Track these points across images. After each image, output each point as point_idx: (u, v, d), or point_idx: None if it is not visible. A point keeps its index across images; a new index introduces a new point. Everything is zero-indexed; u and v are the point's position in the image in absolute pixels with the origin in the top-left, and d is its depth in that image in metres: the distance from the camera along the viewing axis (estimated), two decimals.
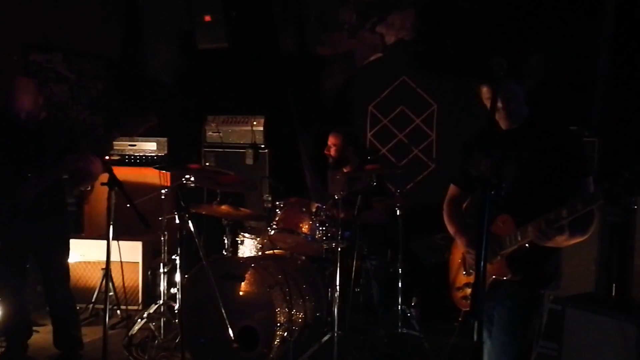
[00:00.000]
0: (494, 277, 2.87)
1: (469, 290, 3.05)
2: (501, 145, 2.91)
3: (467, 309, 3.05)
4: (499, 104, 2.83)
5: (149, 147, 6.38)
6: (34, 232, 4.25)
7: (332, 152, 5.28)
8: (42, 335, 4.96)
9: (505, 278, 2.85)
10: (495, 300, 2.91)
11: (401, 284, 4.93)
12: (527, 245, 2.73)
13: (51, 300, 4.50)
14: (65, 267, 4.53)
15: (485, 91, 2.89)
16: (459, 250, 3.18)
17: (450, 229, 3.23)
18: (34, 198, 4.11)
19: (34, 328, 5.03)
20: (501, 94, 2.82)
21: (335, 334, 4.33)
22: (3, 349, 4.49)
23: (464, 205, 3.29)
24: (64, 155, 4.14)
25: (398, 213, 4.90)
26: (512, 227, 2.78)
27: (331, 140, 5.30)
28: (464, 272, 3.12)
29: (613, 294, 4.24)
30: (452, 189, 3.33)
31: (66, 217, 4.62)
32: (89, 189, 6.11)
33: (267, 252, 4.96)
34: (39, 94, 4.34)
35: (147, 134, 6.37)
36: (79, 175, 4.30)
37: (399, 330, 4.91)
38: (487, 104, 2.88)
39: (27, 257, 4.46)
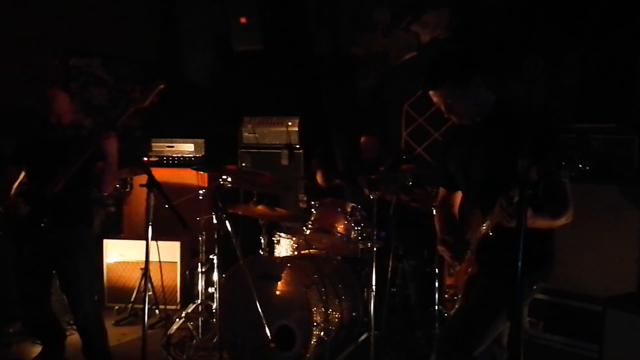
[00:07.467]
0: (469, 272, 2.84)
1: (450, 292, 3.03)
2: (469, 139, 2.85)
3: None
4: (443, 109, 2.80)
5: (187, 148, 6.48)
6: (57, 238, 4.08)
7: (369, 155, 5.25)
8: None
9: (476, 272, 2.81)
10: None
11: (438, 284, 4.90)
12: (490, 233, 2.63)
13: (72, 309, 4.27)
14: (84, 277, 4.23)
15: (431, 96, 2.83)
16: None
17: (438, 230, 3.20)
18: (59, 196, 3.95)
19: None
20: (441, 100, 2.77)
21: (372, 334, 4.33)
22: (40, 351, 4.38)
23: (457, 206, 3.20)
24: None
25: (434, 212, 4.87)
26: (482, 220, 2.71)
27: (366, 143, 5.27)
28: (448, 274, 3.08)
29: None
30: (440, 191, 3.28)
31: (90, 226, 4.42)
32: (125, 187, 6.21)
33: (303, 252, 4.97)
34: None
35: (185, 135, 6.50)
36: (102, 170, 4.10)
37: (436, 330, 4.86)
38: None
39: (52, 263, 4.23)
